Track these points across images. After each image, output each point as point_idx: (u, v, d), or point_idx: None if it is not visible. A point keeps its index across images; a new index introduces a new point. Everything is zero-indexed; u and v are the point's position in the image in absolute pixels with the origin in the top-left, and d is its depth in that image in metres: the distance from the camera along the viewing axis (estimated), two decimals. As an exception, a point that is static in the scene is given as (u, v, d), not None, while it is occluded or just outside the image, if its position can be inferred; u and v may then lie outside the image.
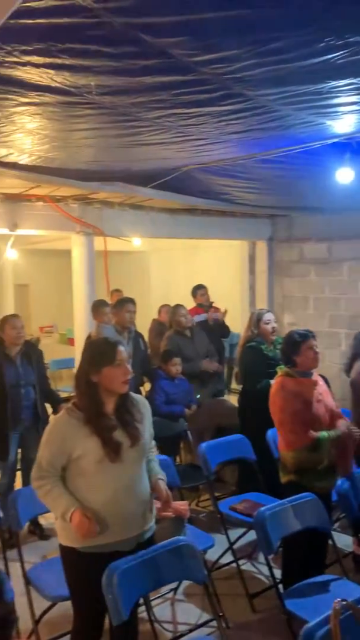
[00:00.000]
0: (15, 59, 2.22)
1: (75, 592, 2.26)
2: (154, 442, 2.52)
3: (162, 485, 2.33)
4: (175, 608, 3.27)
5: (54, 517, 2.28)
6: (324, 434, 2.94)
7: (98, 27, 1.95)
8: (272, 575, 2.65)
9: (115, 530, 2.17)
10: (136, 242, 7.08)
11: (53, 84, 2.49)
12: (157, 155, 3.91)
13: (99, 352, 2.26)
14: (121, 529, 2.19)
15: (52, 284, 10.91)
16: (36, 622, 2.68)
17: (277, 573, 3.08)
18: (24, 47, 2.13)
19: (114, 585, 2.00)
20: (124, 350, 2.27)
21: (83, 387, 2.23)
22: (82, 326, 5.82)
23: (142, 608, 2.67)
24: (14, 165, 4.14)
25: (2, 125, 3.17)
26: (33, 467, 2.26)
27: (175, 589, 3.36)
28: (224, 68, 2.23)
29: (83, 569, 2.20)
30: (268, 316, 4.15)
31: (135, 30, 1.98)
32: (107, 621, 2.20)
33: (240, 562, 3.52)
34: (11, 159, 4.00)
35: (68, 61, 2.24)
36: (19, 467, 4.20)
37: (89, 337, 5.12)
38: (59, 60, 2.23)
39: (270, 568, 2.66)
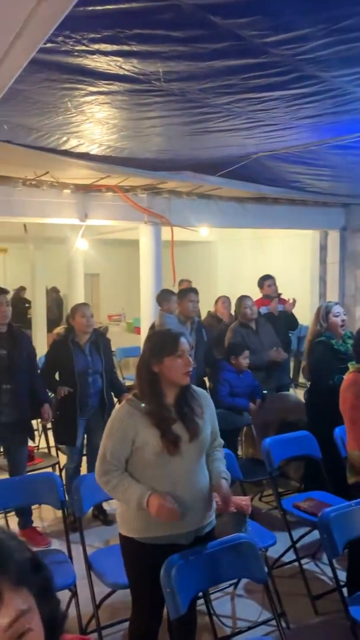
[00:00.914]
0: (83, 48, 2.22)
1: (133, 582, 2.27)
2: (220, 441, 2.44)
3: (224, 485, 2.26)
4: (235, 603, 3.23)
5: (116, 505, 2.28)
6: None
7: (166, 10, 1.91)
8: (336, 578, 2.54)
9: (174, 523, 2.15)
10: (203, 232, 7.03)
11: (121, 72, 2.48)
12: (226, 142, 3.83)
13: (161, 342, 2.24)
14: (180, 522, 2.16)
15: (121, 273, 11.11)
16: (97, 606, 2.72)
17: (342, 575, 2.97)
18: (92, 35, 2.13)
19: (172, 580, 1.98)
20: (186, 342, 2.23)
21: (144, 377, 2.22)
22: (147, 315, 5.87)
23: (201, 601, 2.64)
24: (84, 156, 4.20)
25: (72, 115, 3.20)
26: (97, 460, 2.24)
27: (235, 584, 3.32)
28: (296, 49, 2.13)
29: (141, 560, 2.20)
30: (337, 309, 3.97)
31: (205, 11, 1.92)
32: (165, 612, 2.20)
33: (303, 561, 3.42)
34: (82, 149, 4.05)
35: (136, 47, 2.21)
36: (84, 452, 4.30)
37: (152, 327, 5.14)
38: (127, 47, 2.21)
39: (334, 571, 2.56)
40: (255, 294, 5.79)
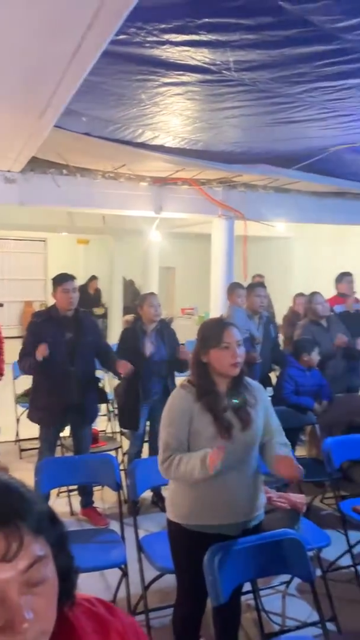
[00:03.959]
0: (154, 38, 2.25)
1: (178, 567, 2.30)
2: (285, 440, 2.36)
3: (285, 451, 2.23)
4: (286, 602, 3.18)
5: (167, 492, 2.31)
6: None
7: (235, -3, 1.90)
8: (391, 587, 2.45)
9: (221, 512, 2.15)
10: (280, 227, 6.91)
11: (192, 62, 2.50)
12: (302, 134, 3.75)
13: (206, 333, 2.25)
14: (228, 512, 2.16)
15: (196, 267, 11.16)
16: (145, 588, 2.78)
17: None
18: (163, 26, 2.16)
19: (214, 567, 1.98)
20: (234, 333, 2.21)
21: (195, 367, 2.24)
22: (218, 309, 5.87)
23: (251, 596, 2.63)
24: (159, 148, 4.26)
25: (146, 107, 3.26)
26: (160, 449, 2.22)
27: (287, 583, 3.27)
28: (370, 33, 2.05)
29: (187, 546, 2.22)
30: None
31: (274, -2, 1.89)
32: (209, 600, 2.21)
33: (361, 567, 3.31)
34: (157, 141, 4.11)
35: (206, 37, 2.22)
36: (146, 439, 4.38)
37: (221, 320, 5.13)
38: (196, 37, 2.22)
39: (389, 580, 2.46)
40: (331, 293, 5.63)
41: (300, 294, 6.33)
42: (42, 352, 3.57)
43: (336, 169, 4.88)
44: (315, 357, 4.43)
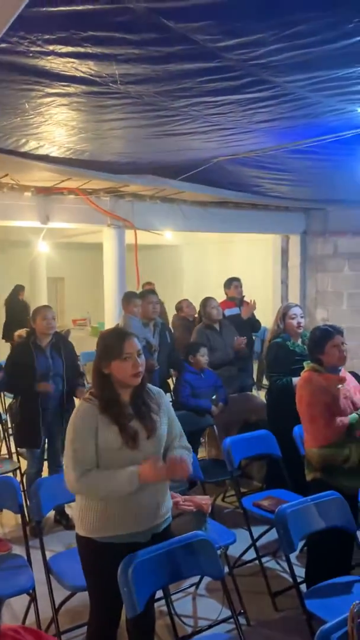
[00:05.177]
0: (39, 49, 2.21)
1: (91, 583, 2.27)
2: (187, 443, 2.42)
3: (178, 453, 2.27)
4: (197, 603, 3.25)
5: (73, 508, 2.27)
6: (354, 415, 2.87)
7: (120, 13, 1.93)
8: (293, 573, 2.59)
9: (130, 521, 2.16)
10: (168, 235, 7.06)
11: (78, 74, 2.48)
12: (186, 146, 3.86)
13: (106, 345, 2.25)
14: (136, 520, 2.18)
15: (86, 277, 11.02)
16: (56, 610, 2.70)
17: (302, 572, 3.03)
18: (47, 36, 2.12)
19: (129, 578, 1.98)
20: (135, 343, 2.23)
21: (97, 379, 2.24)
22: (112, 319, 5.86)
23: (163, 602, 2.65)
24: (44, 158, 4.17)
25: (30, 117, 3.19)
26: (66, 467, 2.17)
27: (197, 584, 3.34)
28: (248, 54, 2.17)
29: (99, 560, 2.19)
30: (294, 310, 4.06)
31: (158, 15, 1.94)
32: (124, 613, 2.20)
33: (264, 559, 3.47)
34: (42, 151, 4.02)
35: (91, 50, 2.22)
36: (45, 457, 4.26)
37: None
38: (82, 49, 2.21)
39: (290, 566, 2.60)
40: (220, 297, 5.85)
41: (185, 300, 6.53)
42: None
43: (219, 180, 5.09)
44: (201, 358, 4.56)
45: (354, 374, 3.42)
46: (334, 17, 1.87)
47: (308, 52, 2.16)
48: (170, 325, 6.24)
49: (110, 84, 2.58)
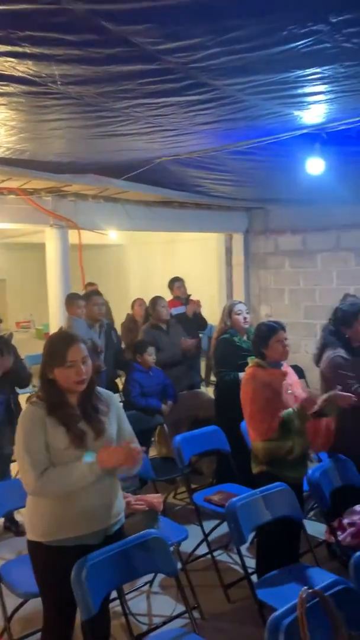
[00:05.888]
0: (-25, 47, 2.16)
1: (43, 588, 2.25)
2: (136, 444, 2.40)
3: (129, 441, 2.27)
4: (151, 601, 3.28)
5: (23, 513, 2.24)
6: (288, 410, 2.94)
7: (59, 13, 1.91)
8: (244, 565, 2.66)
9: (81, 523, 2.16)
10: (112, 235, 7.03)
11: (16, 74, 2.44)
12: (129, 146, 3.87)
13: (50, 352, 2.24)
14: (87, 521, 2.17)
15: (29, 278, 10.79)
16: (8, 619, 2.66)
17: (253, 563, 3.11)
18: (-17, 35, 2.08)
19: (82, 581, 1.98)
20: (81, 349, 2.21)
21: (43, 383, 2.23)
22: (57, 321, 5.77)
23: (117, 602, 2.66)
24: (-18, 158, 4.07)
25: (-33, 116, 3.10)
26: (24, 471, 2.14)
27: (150, 582, 3.36)
28: (187, 57, 2.20)
29: (50, 564, 2.18)
30: (239, 307, 4.15)
31: (98, 17, 1.94)
32: (78, 616, 2.19)
33: (216, 553, 3.53)
34: (-21, 151, 3.93)
35: (30, 49, 2.19)
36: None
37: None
38: (19, 49, 2.18)
39: (242, 558, 2.67)
40: (166, 296, 5.88)
41: (139, 299, 6.52)
42: None
43: (162, 180, 5.11)
44: (148, 357, 4.59)
45: (295, 367, 3.54)
46: (268, 24, 1.93)
47: (245, 56, 2.21)
48: (121, 324, 6.25)
49: (50, 84, 2.55)
